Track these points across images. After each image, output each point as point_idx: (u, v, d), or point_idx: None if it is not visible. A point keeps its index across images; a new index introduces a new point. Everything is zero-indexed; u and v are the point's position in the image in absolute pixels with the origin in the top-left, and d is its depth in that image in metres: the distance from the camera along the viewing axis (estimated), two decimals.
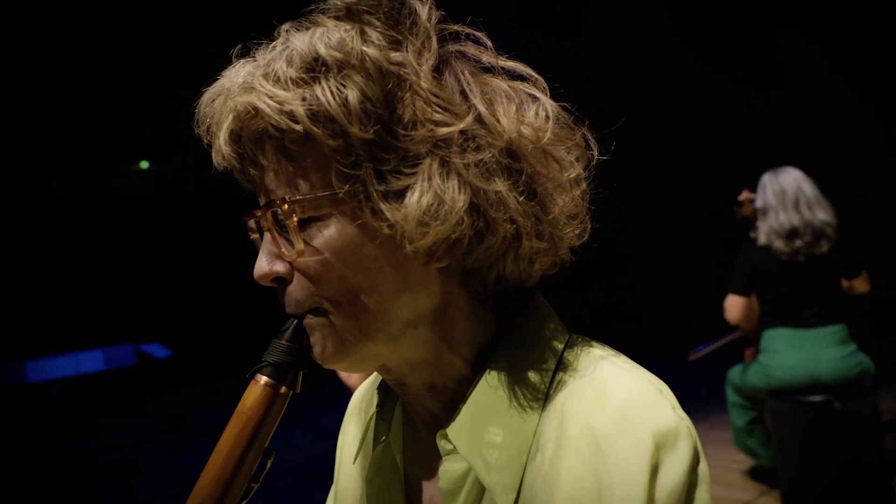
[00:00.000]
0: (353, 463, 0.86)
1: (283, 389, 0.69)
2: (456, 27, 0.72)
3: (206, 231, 10.80)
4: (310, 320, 0.70)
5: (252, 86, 0.65)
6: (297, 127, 0.63)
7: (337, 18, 0.67)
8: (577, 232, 0.73)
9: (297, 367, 0.70)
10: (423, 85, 0.66)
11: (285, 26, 0.69)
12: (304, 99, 0.63)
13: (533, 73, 0.74)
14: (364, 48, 0.64)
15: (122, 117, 10.38)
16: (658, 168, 10.46)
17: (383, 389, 0.82)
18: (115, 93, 9.95)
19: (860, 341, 3.41)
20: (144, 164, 12.47)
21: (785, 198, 3.29)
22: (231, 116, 0.66)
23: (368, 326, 0.68)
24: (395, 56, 0.66)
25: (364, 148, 0.64)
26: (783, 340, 3.37)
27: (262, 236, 0.73)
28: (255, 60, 0.69)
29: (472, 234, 0.66)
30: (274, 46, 0.68)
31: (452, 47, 0.71)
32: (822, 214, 3.27)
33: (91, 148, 10.80)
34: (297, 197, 0.66)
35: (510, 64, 0.73)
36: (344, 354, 0.70)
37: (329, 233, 0.66)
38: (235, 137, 0.68)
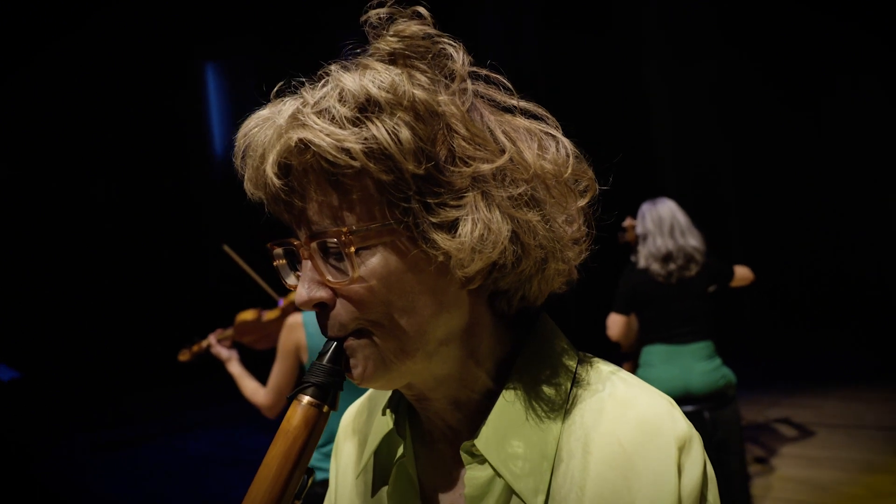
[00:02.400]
0: (356, 478, 0.89)
1: (325, 409, 0.73)
2: (478, 69, 0.78)
3: (59, 239, 10.03)
4: (352, 342, 0.74)
5: (305, 122, 0.69)
6: (355, 163, 0.68)
7: (382, 62, 0.72)
8: (580, 253, 0.80)
9: (337, 387, 0.74)
10: (465, 125, 0.72)
11: (333, 67, 0.73)
12: (360, 137, 0.67)
13: (545, 112, 0.80)
14: (414, 91, 0.69)
15: None
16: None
17: (394, 405, 0.85)
18: None
19: (723, 356, 3.78)
20: None
21: (662, 224, 3.60)
22: (280, 149, 0.69)
23: (409, 346, 0.73)
24: (439, 98, 0.71)
25: (415, 182, 0.69)
26: (659, 356, 3.67)
27: (287, 262, 0.79)
28: (302, 97, 0.72)
29: (513, 260, 0.72)
30: (322, 85, 0.72)
31: (472, 86, 0.76)
32: (693, 241, 3.60)
33: None
34: (355, 228, 0.70)
35: (524, 104, 0.80)
36: (383, 373, 0.74)
37: (377, 260, 0.71)
38: (284, 169, 0.71)
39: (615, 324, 3.74)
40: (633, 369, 3.94)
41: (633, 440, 0.72)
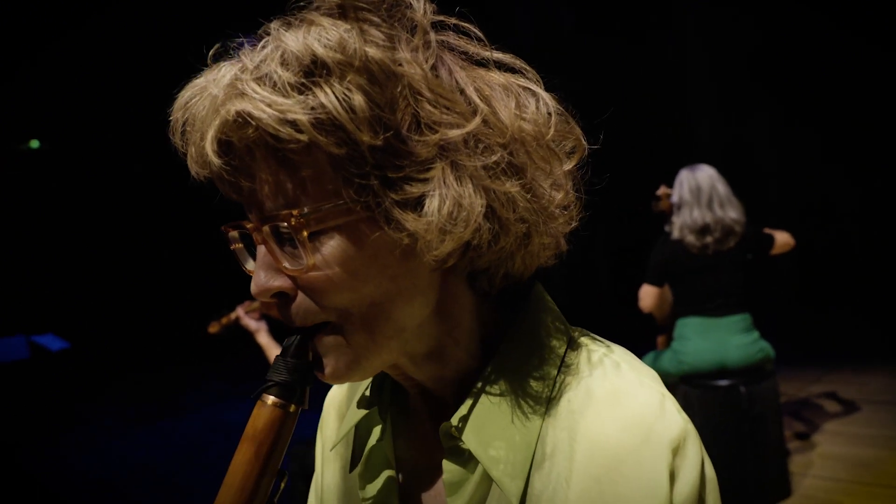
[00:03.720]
0: (335, 452, 0.86)
1: (293, 408, 0.67)
2: (444, 17, 0.68)
3: (102, 217, 10.26)
4: (319, 338, 0.67)
5: (243, 91, 0.60)
6: (302, 137, 0.59)
7: (329, 16, 0.62)
8: (568, 221, 0.72)
9: (305, 383, 0.68)
10: (428, 86, 0.63)
11: (274, 25, 0.63)
12: (306, 106, 0.59)
13: (524, 64, 0.71)
14: (367, 49, 0.60)
15: (11, 93, 9.67)
16: None
17: (379, 379, 0.81)
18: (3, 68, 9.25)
19: (761, 329, 3.67)
20: (35, 144, 11.65)
21: (700, 195, 3.47)
22: (218, 124, 0.61)
23: (380, 337, 0.67)
24: (398, 56, 0.62)
25: (373, 155, 0.61)
26: (694, 328, 3.57)
27: (245, 246, 0.71)
28: (241, 62, 0.63)
29: (490, 238, 0.65)
30: (263, 46, 0.63)
31: (437, 36, 0.67)
32: (733, 213, 3.47)
33: None
34: (306, 210, 0.62)
35: (499, 55, 0.70)
36: (356, 368, 0.68)
37: (337, 244, 0.63)
38: (225, 147, 0.62)
39: (647, 295, 3.66)
40: (668, 342, 3.86)
41: (622, 441, 0.66)
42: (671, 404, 0.69)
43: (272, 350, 2.97)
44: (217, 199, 0.71)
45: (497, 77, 0.69)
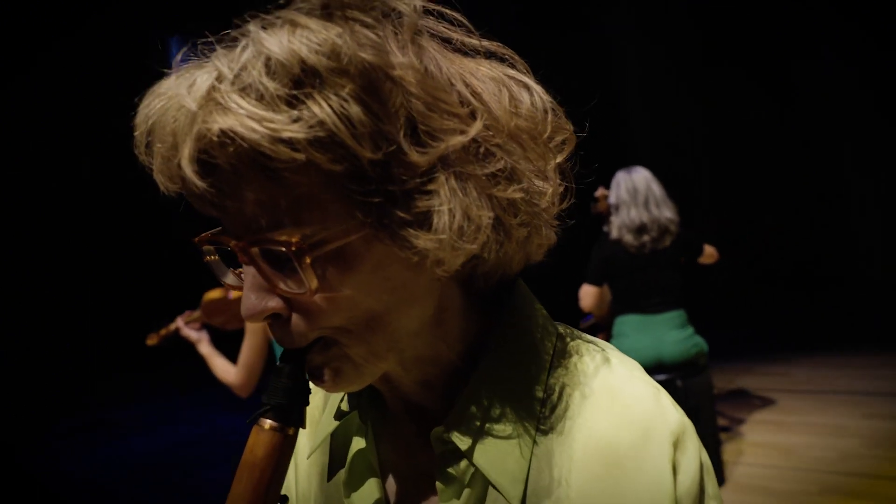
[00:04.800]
0: (309, 459, 0.83)
1: (291, 431, 0.64)
2: (426, 3, 0.63)
3: (27, 228, 9.78)
4: (314, 354, 0.63)
5: (225, 105, 0.53)
6: (298, 156, 0.53)
7: (311, 15, 0.55)
8: (557, 215, 0.70)
9: (303, 404, 0.64)
10: (425, 90, 0.57)
11: (251, 26, 0.56)
12: (301, 122, 0.53)
13: (513, 53, 0.67)
14: (361, 54, 0.54)
15: None
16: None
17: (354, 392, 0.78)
18: None
19: (695, 325, 3.81)
20: None
21: (636, 195, 3.58)
22: (197, 142, 0.54)
23: (379, 348, 0.64)
24: (392, 59, 0.56)
25: (374, 170, 0.56)
26: (632, 325, 3.68)
27: (221, 258, 0.67)
28: (215, 69, 0.56)
29: (497, 247, 0.63)
30: (241, 50, 0.55)
31: (421, 23, 0.62)
32: (668, 212, 3.59)
33: None
34: (307, 232, 0.57)
35: (486, 43, 0.65)
36: (355, 380, 0.66)
37: (338, 265, 0.58)
38: (207, 167, 0.56)
39: (588, 295, 3.74)
40: (607, 339, 3.95)
41: (622, 438, 0.65)
42: (665, 398, 0.69)
43: (215, 360, 2.90)
44: (176, 208, 0.66)
45: (486, 69, 0.64)
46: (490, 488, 0.67)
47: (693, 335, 3.71)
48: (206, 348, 2.95)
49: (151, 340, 3.22)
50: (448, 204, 0.58)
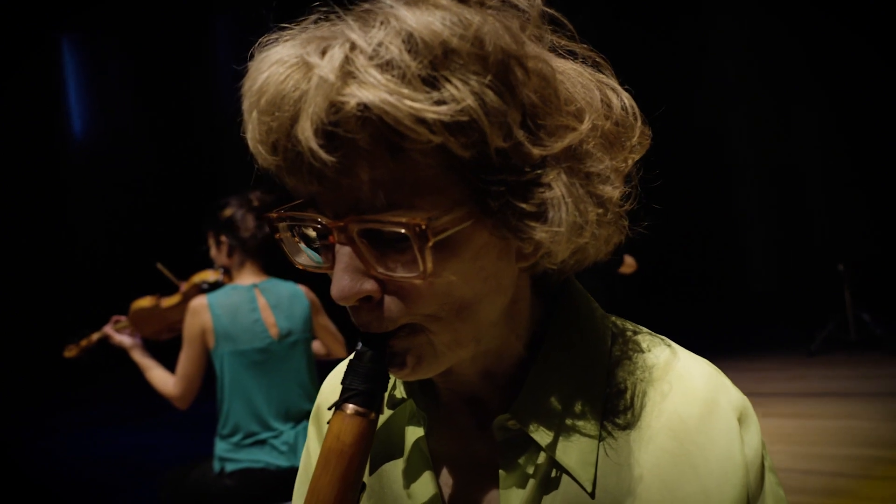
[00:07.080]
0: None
1: (373, 416, 0.63)
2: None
3: None
4: (398, 340, 0.63)
5: (363, 79, 0.52)
6: (436, 138, 0.53)
7: None
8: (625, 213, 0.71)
9: (384, 389, 0.64)
10: (551, 84, 0.59)
11: (390, 0, 0.55)
12: (441, 103, 0.52)
13: (602, 57, 0.68)
14: (502, 42, 0.55)
15: None
16: None
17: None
18: None
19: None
20: None
21: None
22: (326, 112, 0.53)
23: (463, 337, 0.64)
24: (527, 50, 0.58)
25: (498, 158, 0.56)
26: None
27: (300, 237, 0.65)
28: (348, 39, 0.54)
29: (593, 242, 0.64)
30: (381, 23, 0.54)
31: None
32: None
33: None
34: (431, 216, 0.56)
35: (579, 46, 0.67)
36: (433, 367, 0.66)
37: (448, 253, 0.59)
38: (334, 141, 0.54)
39: None
40: None
41: (691, 413, 0.68)
42: (725, 378, 0.72)
43: (153, 370, 2.69)
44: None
45: (580, 71, 0.66)
46: (556, 473, 0.68)
47: None
48: (140, 356, 2.73)
49: (70, 353, 2.99)
50: (563, 197, 0.59)
